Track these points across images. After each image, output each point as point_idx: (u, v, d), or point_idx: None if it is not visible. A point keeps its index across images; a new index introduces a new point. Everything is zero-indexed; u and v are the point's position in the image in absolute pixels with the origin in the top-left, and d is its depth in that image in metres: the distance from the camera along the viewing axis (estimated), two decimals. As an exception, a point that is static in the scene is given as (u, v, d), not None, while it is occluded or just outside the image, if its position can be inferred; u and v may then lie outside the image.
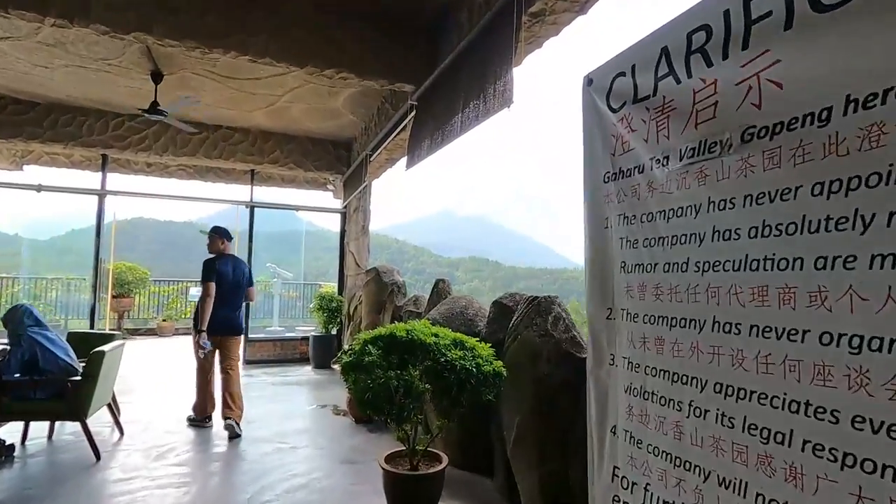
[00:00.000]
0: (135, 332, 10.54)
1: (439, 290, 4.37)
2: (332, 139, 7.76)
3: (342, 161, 7.89)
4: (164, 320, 10.84)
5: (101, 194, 7.13)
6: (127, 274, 10.12)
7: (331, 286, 9.80)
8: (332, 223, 8.62)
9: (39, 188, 6.97)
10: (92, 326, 7.09)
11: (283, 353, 7.77)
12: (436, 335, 2.70)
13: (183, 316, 11.43)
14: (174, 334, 10.81)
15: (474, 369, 2.51)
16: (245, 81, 5.45)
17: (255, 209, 7.83)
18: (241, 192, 8.25)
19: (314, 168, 7.90)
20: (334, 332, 7.59)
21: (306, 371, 7.23)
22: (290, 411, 5.08)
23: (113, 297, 10.14)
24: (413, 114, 4.57)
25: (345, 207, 8.19)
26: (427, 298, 4.75)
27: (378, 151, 6.09)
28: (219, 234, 4.57)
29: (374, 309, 5.86)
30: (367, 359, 2.55)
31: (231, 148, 7.33)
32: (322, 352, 7.40)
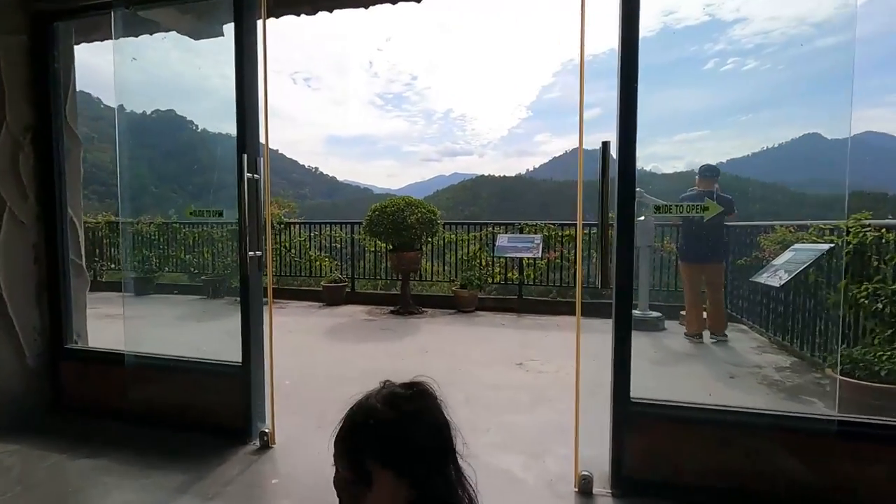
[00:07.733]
0: (422, 303, 6.84)
1: None
2: None
3: None
4: (462, 286, 6.80)
5: None
6: (406, 213, 6.35)
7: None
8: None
9: None
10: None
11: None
12: None
13: (490, 280, 7.18)
14: (476, 310, 6.67)
15: None
16: None
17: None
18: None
19: None
20: None
21: None
22: None
23: (392, 249, 6.60)
24: None
25: None
26: None
27: None
28: None
29: None
30: None
31: None
32: None
